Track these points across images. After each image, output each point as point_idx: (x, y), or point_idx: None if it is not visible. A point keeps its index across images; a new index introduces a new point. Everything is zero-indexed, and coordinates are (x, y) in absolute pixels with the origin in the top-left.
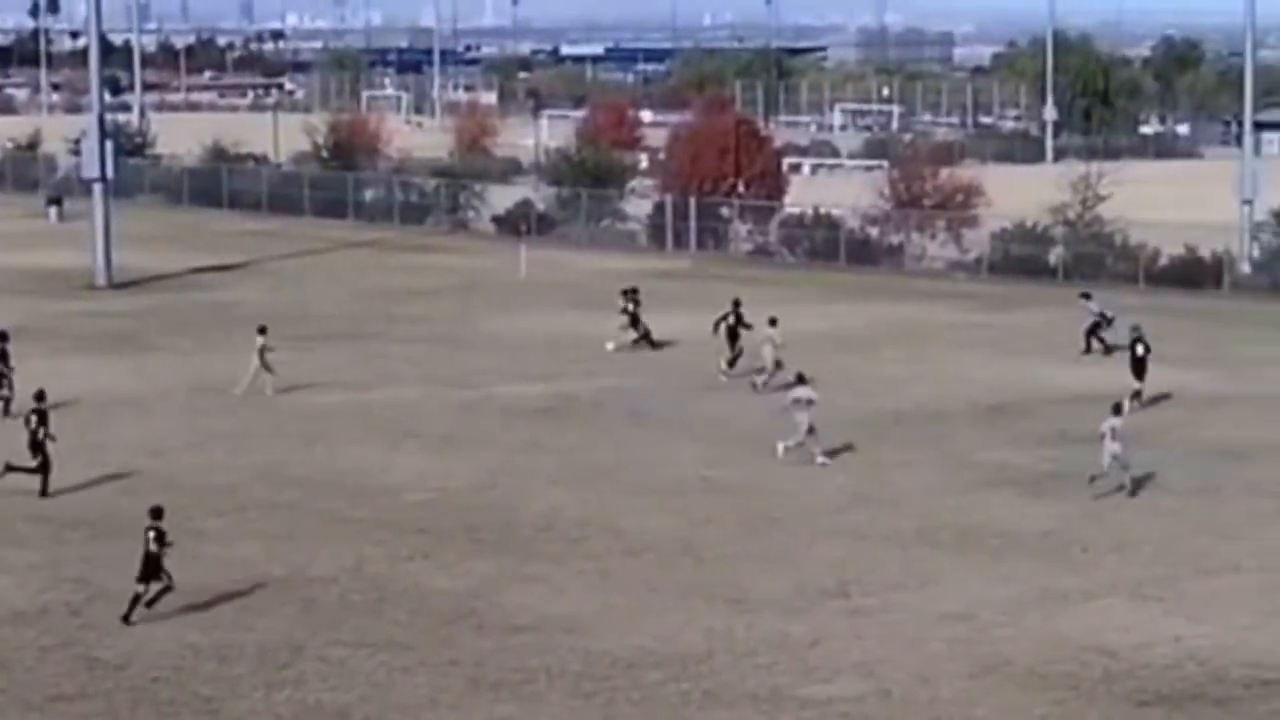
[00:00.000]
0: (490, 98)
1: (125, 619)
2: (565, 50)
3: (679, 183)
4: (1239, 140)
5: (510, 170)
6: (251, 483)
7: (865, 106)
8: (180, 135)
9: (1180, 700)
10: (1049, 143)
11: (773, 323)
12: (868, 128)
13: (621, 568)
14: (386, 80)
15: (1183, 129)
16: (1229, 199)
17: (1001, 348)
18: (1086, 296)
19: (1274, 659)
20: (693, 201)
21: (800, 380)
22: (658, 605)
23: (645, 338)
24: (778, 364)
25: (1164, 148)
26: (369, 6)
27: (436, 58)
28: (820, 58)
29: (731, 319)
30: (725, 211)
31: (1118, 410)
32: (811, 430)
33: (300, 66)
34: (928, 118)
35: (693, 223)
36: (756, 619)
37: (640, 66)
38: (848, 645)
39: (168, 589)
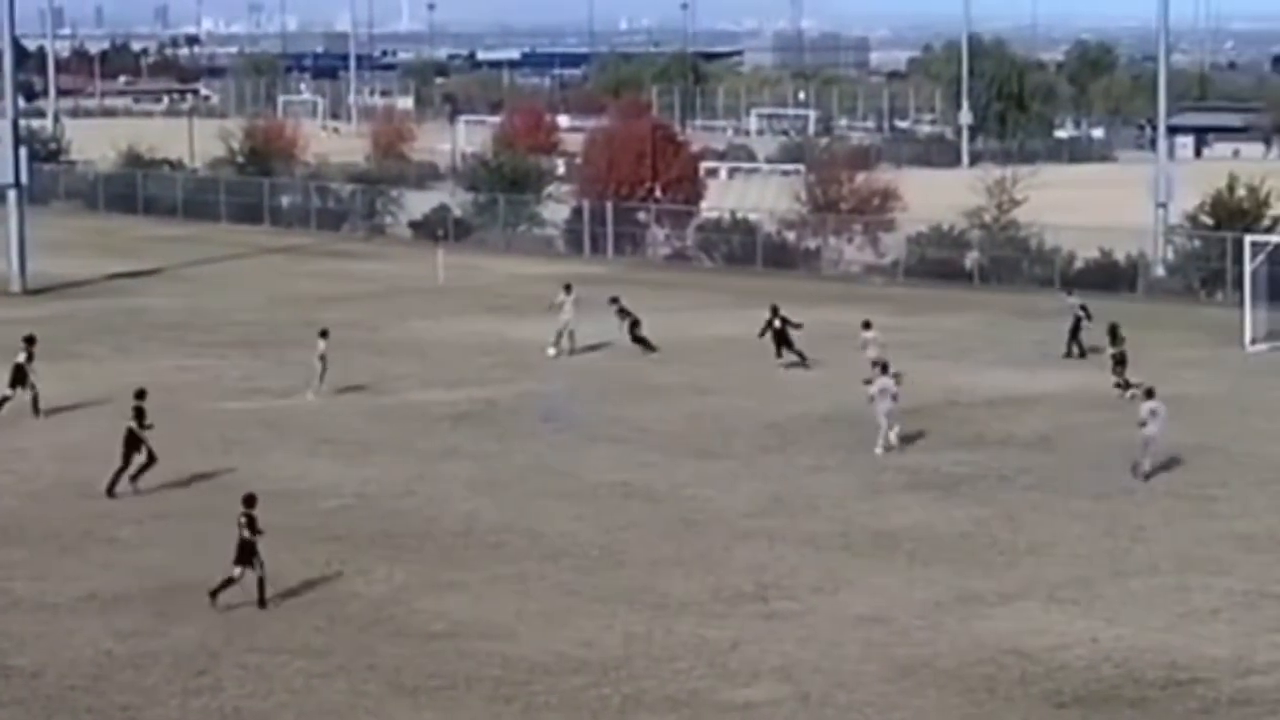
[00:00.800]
0: (407, 103)
1: (213, 595)
2: (482, 55)
3: (596, 188)
4: (1153, 144)
5: (427, 176)
6: (168, 489)
7: (781, 111)
8: (95, 141)
9: (1097, 701)
10: (964, 147)
11: (867, 325)
12: (784, 132)
13: (540, 573)
14: (303, 86)
15: (1097, 133)
16: (1143, 202)
17: (917, 351)
18: (1069, 292)
19: (1189, 659)
20: (610, 206)
21: (884, 370)
22: (576, 610)
23: (640, 340)
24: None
25: (1079, 151)
26: (284, 11)
27: (353, 63)
28: (737, 62)
29: (777, 322)
30: (642, 216)
31: (1150, 394)
32: (889, 417)
33: (215, 72)
34: (844, 122)
35: (610, 228)
36: (675, 623)
37: (557, 71)
38: (766, 649)
39: (263, 579)
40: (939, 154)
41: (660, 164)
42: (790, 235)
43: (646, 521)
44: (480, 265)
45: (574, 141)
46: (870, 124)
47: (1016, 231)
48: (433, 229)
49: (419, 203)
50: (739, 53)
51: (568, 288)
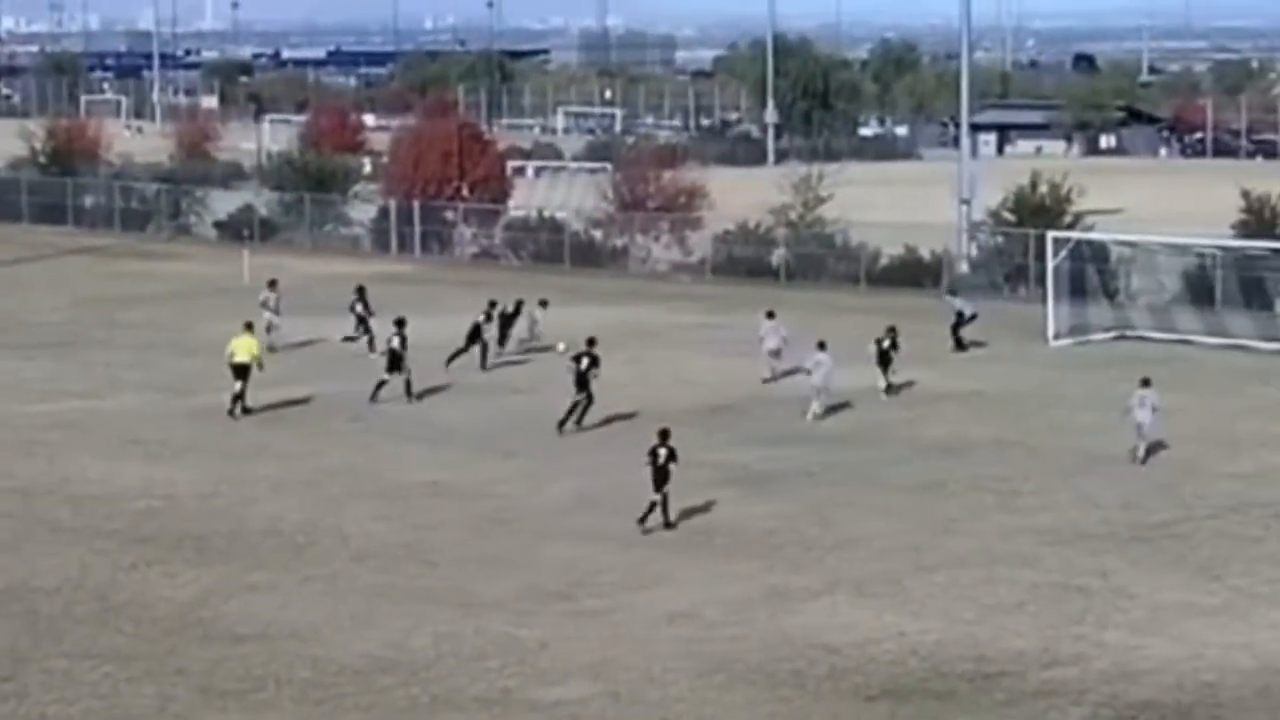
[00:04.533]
0: (211, 102)
1: (641, 520)
2: (287, 54)
3: (403, 186)
4: (956, 141)
5: (232, 175)
6: None
7: (588, 109)
8: None
9: (905, 694)
10: (770, 145)
11: (770, 315)
12: (591, 130)
13: (348, 573)
14: (105, 85)
15: (901, 130)
16: (947, 200)
17: (725, 349)
18: (953, 293)
19: (996, 652)
20: (416, 205)
21: (821, 348)
22: (386, 610)
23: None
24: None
25: (883, 149)
26: (86, 10)
27: (156, 62)
28: (543, 61)
29: (886, 343)
30: (449, 215)
31: (1146, 383)
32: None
33: (16, 71)
34: (650, 120)
35: (417, 227)
36: (485, 622)
37: (363, 70)
38: (576, 647)
39: (665, 501)
40: (745, 152)
41: (467, 163)
42: (597, 234)
43: (455, 521)
44: (286, 265)
45: (380, 140)
46: (677, 123)
47: (822, 229)
48: (238, 229)
49: (224, 202)
50: (545, 51)
51: (272, 284)
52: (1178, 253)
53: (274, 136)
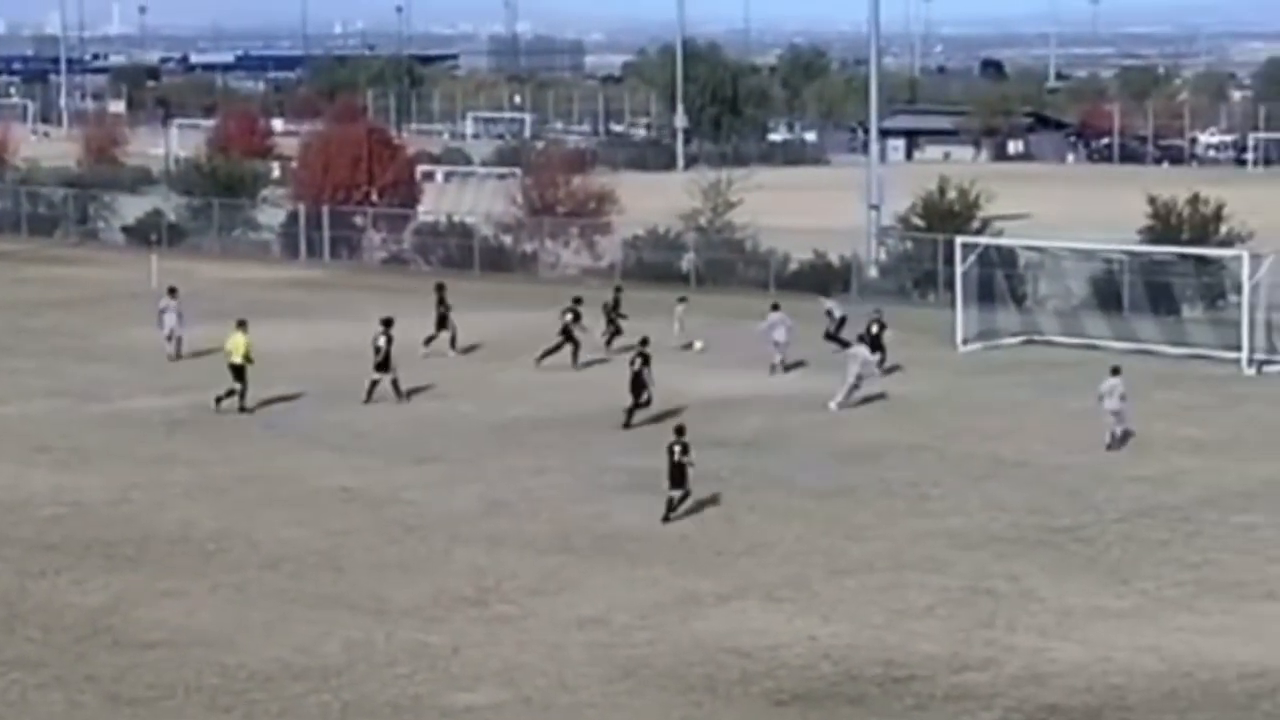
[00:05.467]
0: (119, 107)
1: (666, 519)
2: (195, 58)
3: (312, 192)
4: (865, 147)
5: (140, 180)
6: None
7: (497, 114)
8: None
9: (816, 699)
10: (680, 150)
11: (775, 307)
12: (500, 136)
13: (259, 580)
14: (12, 89)
15: (810, 136)
16: (856, 205)
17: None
18: (825, 294)
19: (905, 656)
20: (326, 210)
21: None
22: (296, 617)
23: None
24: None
25: (792, 154)
26: None
27: (63, 66)
28: (452, 66)
29: (875, 329)
30: (359, 220)
31: (1116, 371)
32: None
33: None
34: (560, 125)
35: (326, 232)
36: (396, 628)
37: (271, 75)
38: (487, 653)
39: (686, 496)
40: (654, 157)
41: (376, 168)
42: (507, 239)
43: (366, 527)
44: (195, 270)
45: (289, 145)
46: (586, 128)
47: (732, 234)
48: (146, 234)
49: (132, 207)
50: (454, 56)
51: (172, 291)
52: (1085, 258)
53: (182, 141)
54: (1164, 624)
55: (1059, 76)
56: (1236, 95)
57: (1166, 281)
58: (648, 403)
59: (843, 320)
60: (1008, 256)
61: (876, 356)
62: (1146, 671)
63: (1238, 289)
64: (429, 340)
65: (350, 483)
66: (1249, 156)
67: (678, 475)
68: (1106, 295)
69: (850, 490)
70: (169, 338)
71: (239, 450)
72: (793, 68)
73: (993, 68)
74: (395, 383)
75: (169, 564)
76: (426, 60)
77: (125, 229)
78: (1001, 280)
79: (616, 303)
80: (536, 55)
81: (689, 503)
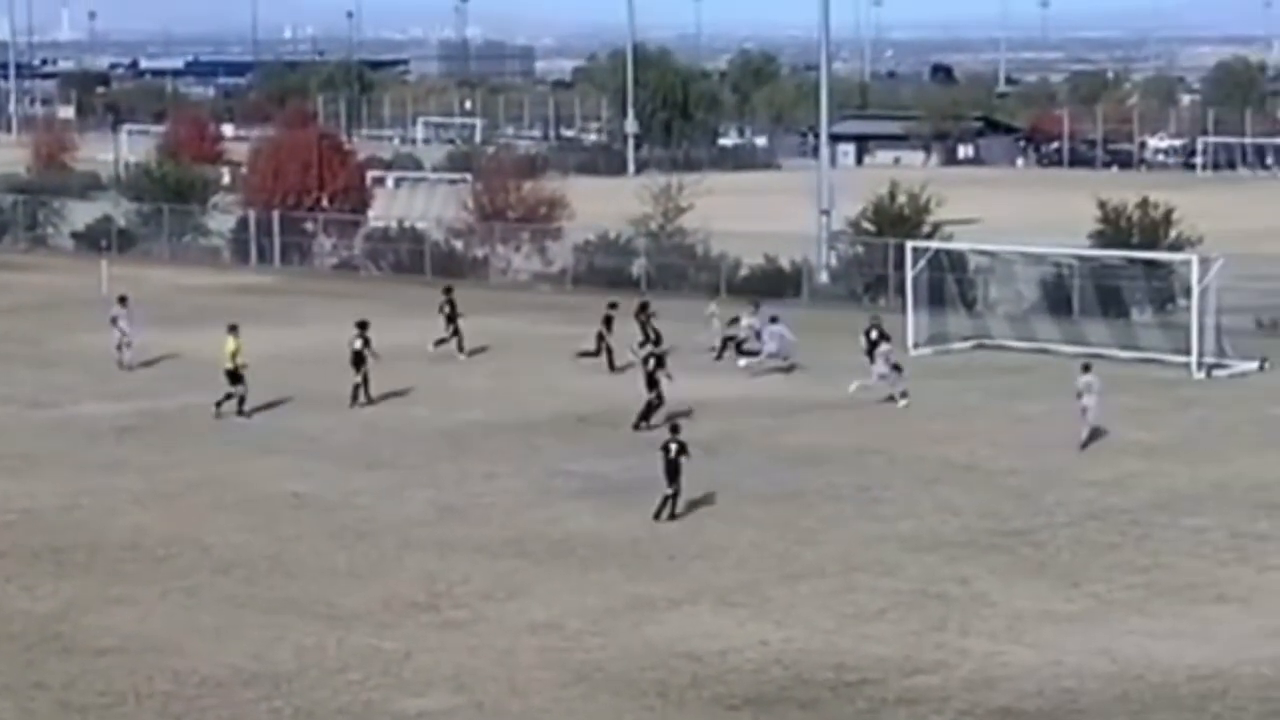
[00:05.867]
0: (68, 112)
1: (672, 515)
2: (145, 64)
3: (262, 197)
4: (816, 151)
5: (90, 186)
6: None
7: (448, 120)
8: None
9: (767, 703)
10: (630, 155)
11: (774, 320)
12: (451, 141)
13: (210, 585)
14: None
15: (761, 140)
16: (807, 209)
17: (587, 359)
18: (755, 307)
19: (857, 660)
20: (276, 216)
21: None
22: (248, 622)
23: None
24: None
25: (743, 159)
26: None
27: (12, 71)
28: (403, 71)
29: (874, 334)
30: (309, 226)
31: (1087, 368)
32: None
33: None
34: (510, 131)
35: (276, 237)
36: (348, 634)
37: (221, 80)
38: (439, 658)
39: (676, 495)
40: (605, 162)
41: (327, 173)
42: (458, 244)
43: (318, 532)
44: (145, 276)
45: (239, 151)
46: (536, 133)
47: (683, 239)
48: (96, 240)
49: (82, 213)
50: (405, 61)
51: (123, 300)
52: (1035, 262)
53: (132, 147)
54: (1115, 627)
55: (1009, 81)
56: (1185, 100)
57: (1116, 285)
58: (659, 404)
59: (734, 320)
60: (958, 261)
61: (884, 368)
62: (1098, 674)
63: (1187, 293)
64: (439, 343)
65: (301, 488)
66: (1198, 161)
67: (673, 473)
68: (1057, 299)
69: (802, 495)
70: (119, 346)
71: (189, 456)
72: (743, 73)
73: (943, 72)
74: (364, 386)
75: (120, 570)
76: (377, 65)
77: (75, 235)
78: (952, 285)
79: (644, 307)
80: (487, 60)
81: (681, 504)
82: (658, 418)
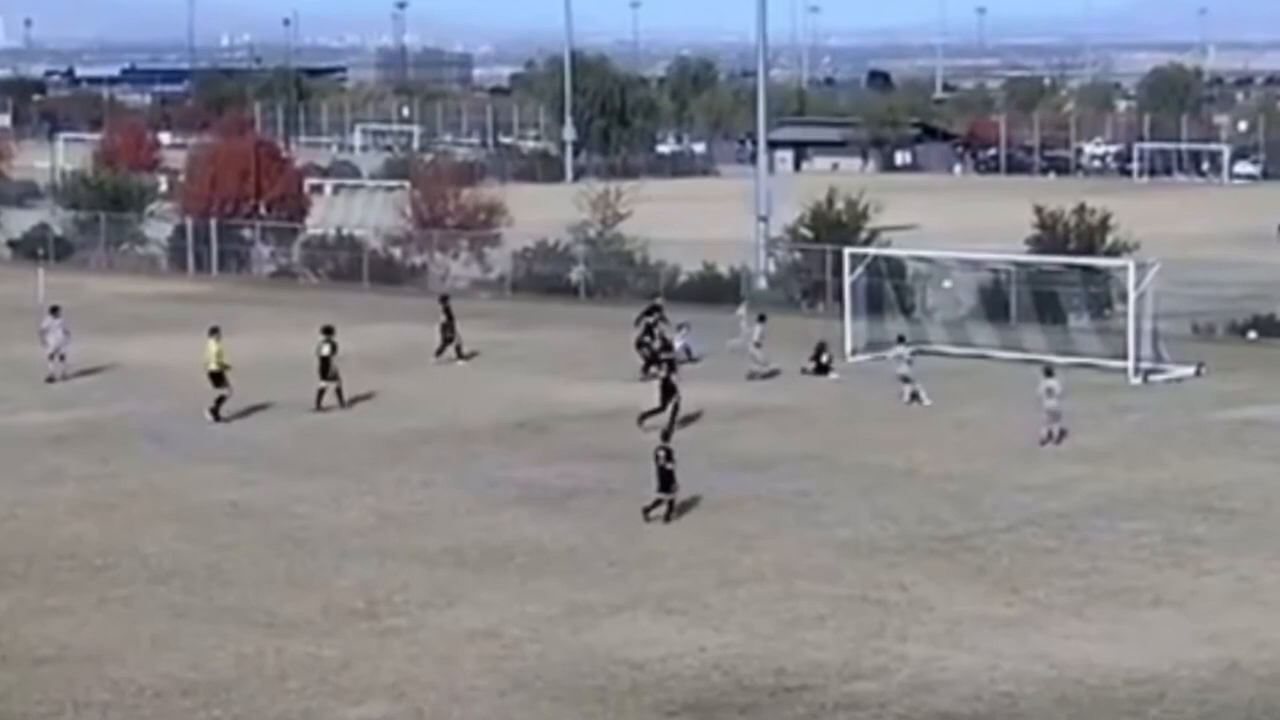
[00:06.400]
0: (4, 120)
1: (666, 519)
2: (81, 72)
3: (199, 205)
4: (754, 158)
5: (26, 194)
6: None
7: (386, 127)
8: None
9: (707, 709)
10: (569, 162)
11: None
12: (389, 148)
13: (148, 594)
14: None
15: (699, 147)
16: (745, 216)
17: (525, 365)
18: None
19: (796, 666)
20: (214, 224)
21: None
22: (186, 631)
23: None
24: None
25: (681, 166)
26: None
27: None
28: (340, 78)
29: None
30: (247, 233)
31: (1049, 372)
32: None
33: None
34: (449, 138)
35: (214, 245)
36: (287, 642)
37: (158, 88)
38: (378, 666)
39: (672, 501)
40: (543, 169)
41: (264, 181)
42: (396, 251)
43: (256, 540)
44: (82, 284)
45: (177, 159)
46: (475, 140)
47: (621, 246)
48: (33, 248)
49: (18, 221)
50: (342, 69)
51: (55, 310)
52: (973, 268)
53: (69, 155)
54: (1053, 631)
55: (946, 88)
56: (1122, 106)
57: (1053, 291)
58: (676, 407)
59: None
60: (896, 267)
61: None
62: (1036, 678)
63: (1124, 298)
64: (439, 351)
65: (239, 496)
66: (1134, 166)
67: (665, 480)
68: (994, 305)
69: (741, 500)
70: (52, 357)
71: (127, 465)
72: (681, 79)
73: (880, 79)
74: (329, 391)
75: (57, 580)
76: (314, 73)
77: (11, 243)
78: (890, 291)
79: (653, 310)
80: (425, 67)
81: (661, 507)
82: (656, 420)
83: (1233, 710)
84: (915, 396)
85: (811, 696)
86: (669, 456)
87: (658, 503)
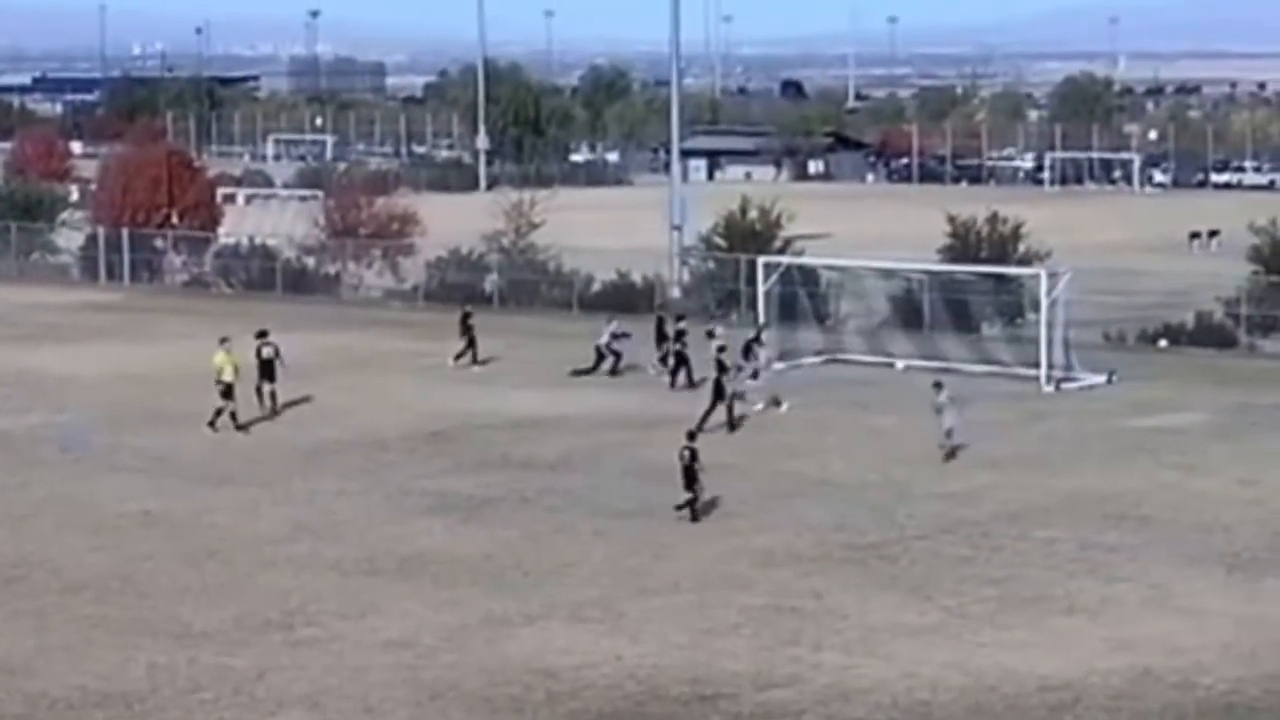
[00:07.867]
0: None
1: (693, 519)
2: None
3: (111, 214)
4: (667, 167)
5: None
6: None
7: (299, 136)
8: None
9: (622, 718)
10: (483, 171)
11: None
12: (301, 157)
13: (60, 606)
14: None
15: (612, 156)
16: (659, 225)
17: (439, 375)
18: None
19: (711, 674)
20: (125, 233)
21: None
22: (98, 642)
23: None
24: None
25: (595, 175)
26: None
27: None
28: (253, 88)
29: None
30: (159, 243)
31: (939, 386)
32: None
33: None
34: (362, 147)
35: (126, 254)
36: (200, 653)
37: (69, 97)
38: (293, 677)
39: (697, 498)
40: (457, 178)
41: (176, 190)
42: (309, 261)
43: (168, 551)
44: None
45: (88, 168)
46: (388, 149)
47: (535, 255)
48: None
49: None
50: (255, 78)
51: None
52: (886, 277)
53: None
54: (967, 639)
55: (858, 97)
56: (1033, 115)
57: (966, 300)
58: (714, 409)
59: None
60: (810, 276)
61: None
62: (951, 686)
63: (1036, 307)
64: (458, 356)
65: (152, 506)
66: (1045, 175)
67: (689, 478)
68: (908, 314)
69: (657, 510)
70: None
71: (37, 476)
72: (594, 88)
73: (793, 88)
74: (259, 389)
75: None
76: (227, 82)
77: None
78: (804, 299)
79: (662, 321)
80: (338, 76)
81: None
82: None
83: (1145, 717)
84: (776, 402)
85: (727, 705)
86: (694, 456)
87: (688, 502)
